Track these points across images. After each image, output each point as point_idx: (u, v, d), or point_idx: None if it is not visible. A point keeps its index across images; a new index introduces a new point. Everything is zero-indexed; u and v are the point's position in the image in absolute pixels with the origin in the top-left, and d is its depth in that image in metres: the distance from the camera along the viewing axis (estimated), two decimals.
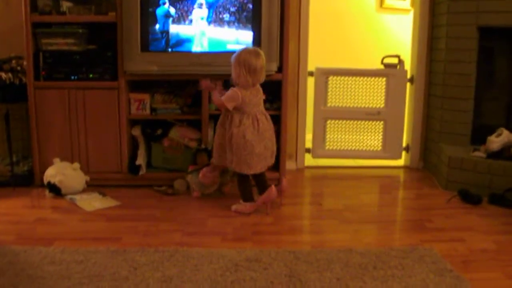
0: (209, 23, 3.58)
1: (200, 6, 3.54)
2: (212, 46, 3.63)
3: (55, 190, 3.62)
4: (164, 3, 3.56)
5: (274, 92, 3.83)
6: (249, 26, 3.58)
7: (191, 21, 3.59)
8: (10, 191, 3.76)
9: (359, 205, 3.54)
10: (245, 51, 3.23)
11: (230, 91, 3.24)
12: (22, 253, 2.69)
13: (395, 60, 4.44)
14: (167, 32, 3.59)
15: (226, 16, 3.57)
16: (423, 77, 4.39)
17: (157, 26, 3.59)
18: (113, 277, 2.41)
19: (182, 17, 3.57)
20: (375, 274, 2.48)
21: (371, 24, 5.65)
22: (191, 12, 3.57)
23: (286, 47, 3.70)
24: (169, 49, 3.62)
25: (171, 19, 3.59)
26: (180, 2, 3.54)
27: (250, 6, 3.56)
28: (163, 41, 3.61)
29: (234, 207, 3.38)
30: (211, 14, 3.57)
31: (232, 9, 3.57)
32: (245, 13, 3.56)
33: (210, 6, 3.56)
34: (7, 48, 4.03)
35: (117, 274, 2.44)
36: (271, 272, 2.47)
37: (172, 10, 3.57)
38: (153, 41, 3.60)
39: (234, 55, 3.22)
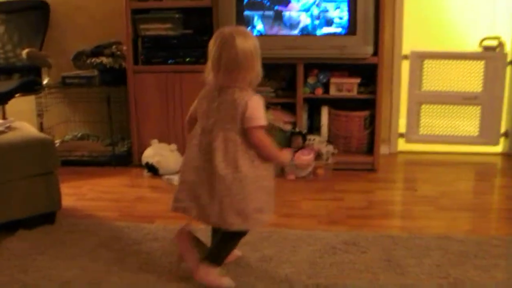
0: (310, 6, 3.58)
1: None
2: (307, 29, 3.63)
3: (153, 170, 3.75)
4: None
5: (369, 76, 3.78)
6: (344, 8, 3.55)
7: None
8: (111, 170, 3.94)
9: (455, 192, 3.44)
10: (244, 32, 2.16)
11: (256, 102, 2.12)
12: (125, 229, 2.82)
13: (494, 42, 4.26)
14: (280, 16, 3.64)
15: None
16: None
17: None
18: None
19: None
20: (477, 263, 2.41)
21: (469, 4, 5.42)
22: None
23: (382, 30, 3.64)
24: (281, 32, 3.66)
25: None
26: None
27: None
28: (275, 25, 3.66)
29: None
30: None
31: None
32: None
33: None
34: (107, 34, 4.18)
35: None
36: (369, 256, 2.47)
37: None
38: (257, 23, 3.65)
39: (241, 45, 2.07)
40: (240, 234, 2.22)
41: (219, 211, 2.10)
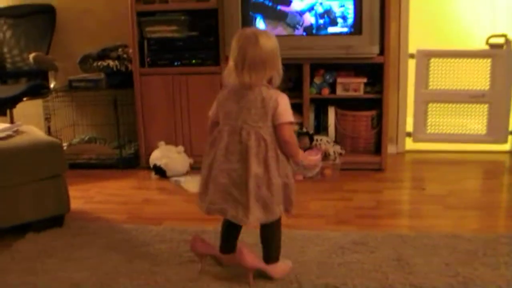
0: (314, 5, 3.58)
1: None
2: (312, 29, 3.63)
3: (160, 172, 3.76)
4: None
5: (375, 75, 3.78)
6: (350, 7, 3.55)
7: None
8: (118, 173, 3.95)
9: (462, 191, 3.42)
10: (265, 32, 2.23)
11: (285, 99, 2.17)
12: (134, 231, 2.83)
13: (501, 40, 4.24)
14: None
15: None
16: None
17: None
18: None
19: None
20: (486, 261, 2.40)
21: (475, 2, 5.40)
22: None
23: (388, 29, 3.63)
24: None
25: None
26: None
27: None
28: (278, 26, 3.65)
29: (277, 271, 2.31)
30: None
31: None
32: None
33: None
34: (113, 37, 4.20)
35: None
36: (378, 256, 2.46)
37: None
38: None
39: (264, 44, 2.09)
40: (279, 221, 2.28)
41: (247, 207, 2.14)
